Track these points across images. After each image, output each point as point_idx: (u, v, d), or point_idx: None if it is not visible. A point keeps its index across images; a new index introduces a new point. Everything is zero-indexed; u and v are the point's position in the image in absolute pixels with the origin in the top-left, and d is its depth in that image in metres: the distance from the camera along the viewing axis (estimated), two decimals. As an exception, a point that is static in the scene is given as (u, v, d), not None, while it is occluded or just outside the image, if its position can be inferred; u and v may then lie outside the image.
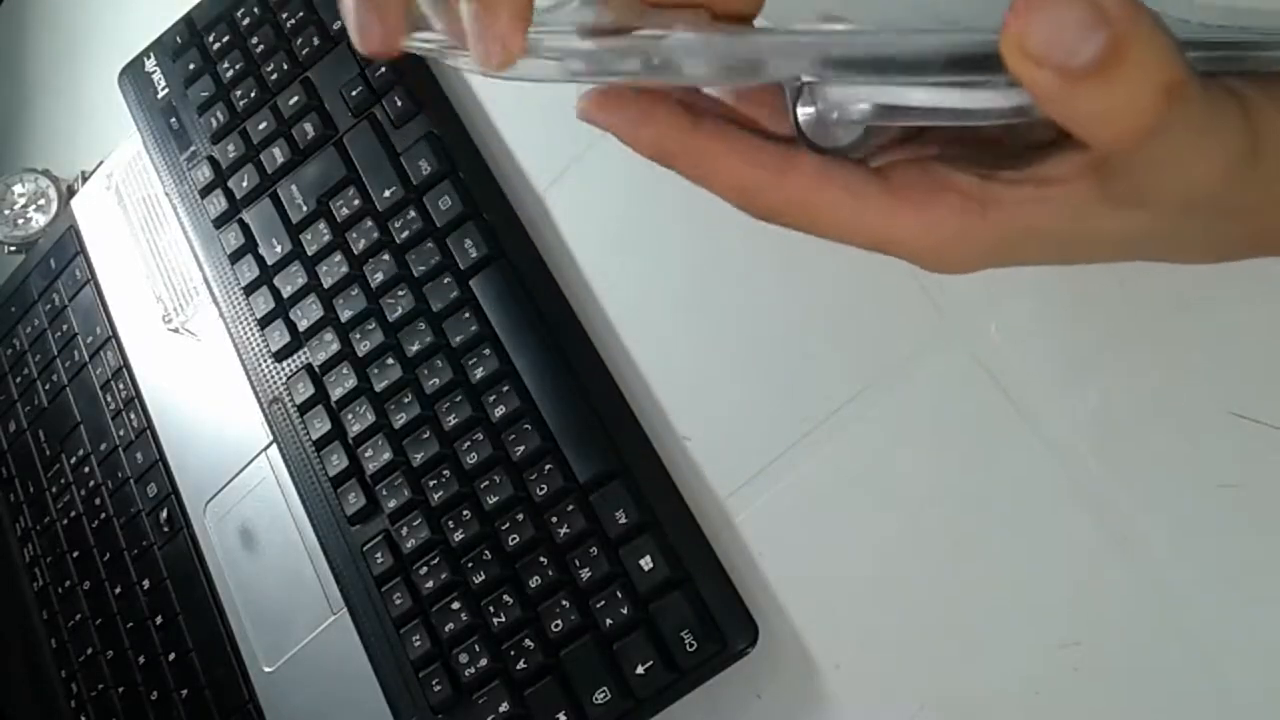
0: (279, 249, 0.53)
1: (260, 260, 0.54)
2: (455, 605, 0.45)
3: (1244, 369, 0.36)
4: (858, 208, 0.23)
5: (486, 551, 0.45)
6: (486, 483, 0.46)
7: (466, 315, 0.48)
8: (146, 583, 0.57)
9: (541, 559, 0.44)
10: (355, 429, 0.49)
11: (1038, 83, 0.18)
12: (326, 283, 0.51)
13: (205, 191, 0.56)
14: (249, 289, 0.54)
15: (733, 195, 0.24)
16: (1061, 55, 0.18)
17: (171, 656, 0.55)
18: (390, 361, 0.49)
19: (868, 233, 0.23)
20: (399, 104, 0.52)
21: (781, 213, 0.23)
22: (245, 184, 0.55)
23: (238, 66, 0.57)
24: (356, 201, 0.51)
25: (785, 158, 0.23)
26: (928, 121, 0.22)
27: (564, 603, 0.43)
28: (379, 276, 0.50)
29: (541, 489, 0.45)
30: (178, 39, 0.59)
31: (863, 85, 0.21)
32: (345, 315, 0.50)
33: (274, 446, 0.53)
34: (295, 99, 0.54)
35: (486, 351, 0.47)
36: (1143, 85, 0.18)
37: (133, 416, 0.59)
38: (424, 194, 0.50)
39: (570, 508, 0.44)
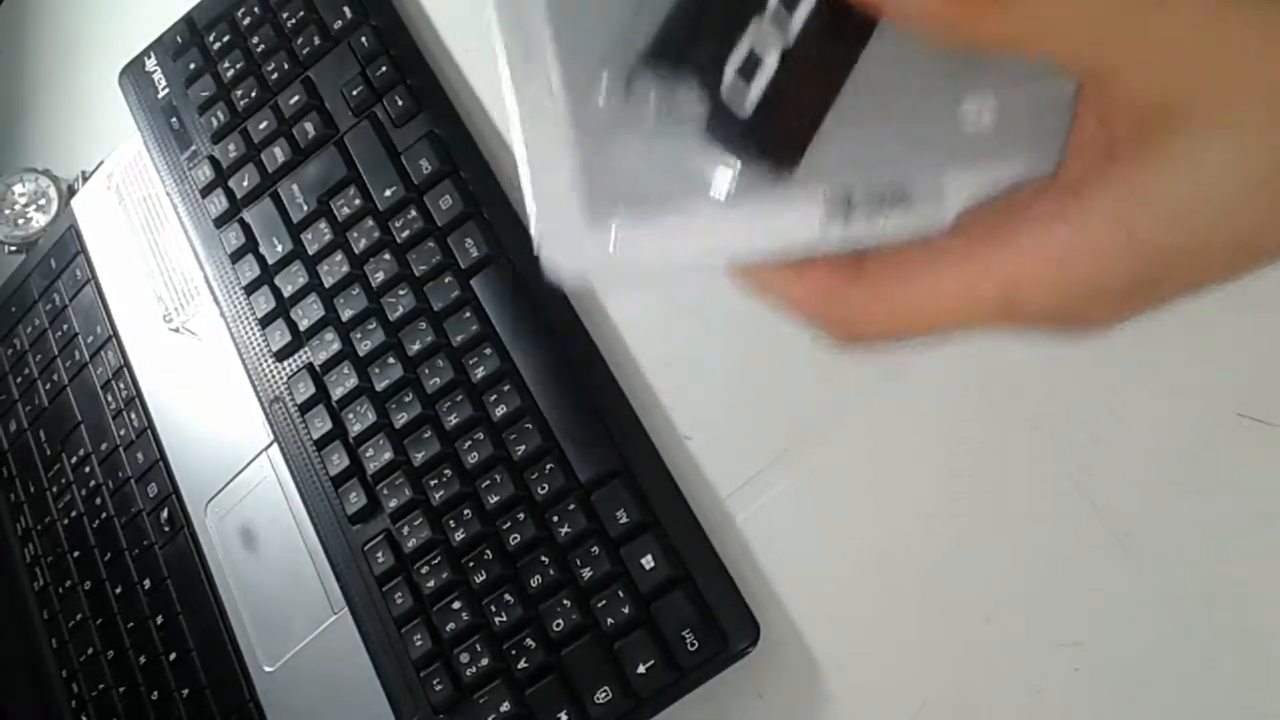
0: (280, 248, 0.53)
1: (261, 260, 0.54)
2: (456, 605, 0.45)
3: (1250, 370, 0.36)
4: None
5: (488, 551, 0.45)
6: (488, 482, 0.45)
7: (467, 314, 0.48)
8: (147, 582, 0.57)
9: (543, 558, 0.44)
10: (356, 428, 0.49)
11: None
12: (327, 282, 0.51)
13: (206, 191, 0.56)
14: (250, 288, 0.54)
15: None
16: None
17: (172, 656, 0.55)
18: (391, 361, 0.49)
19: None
20: (400, 103, 0.52)
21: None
22: (246, 183, 0.55)
23: (238, 66, 0.57)
24: (357, 201, 0.51)
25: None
26: None
27: (565, 602, 0.43)
28: (380, 276, 0.50)
29: (542, 488, 0.45)
30: (178, 39, 0.59)
31: None
32: (346, 315, 0.50)
33: (275, 446, 0.53)
34: (296, 98, 0.54)
35: (487, 351, 0.47)
36: None
37: (133, 416, 0.59)
38: (425, 193, 0.50)
39: (571, 507, 0.44)
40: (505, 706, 0.43)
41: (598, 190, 0.20)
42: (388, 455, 0.48)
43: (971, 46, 0.18)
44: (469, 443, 0.46)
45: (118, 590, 0.58)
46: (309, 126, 0.54)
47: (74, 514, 0.60)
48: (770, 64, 0.19)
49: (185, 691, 0.54)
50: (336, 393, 0.50)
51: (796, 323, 0.22)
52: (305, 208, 0.53)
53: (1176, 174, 0.18)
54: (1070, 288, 0.19)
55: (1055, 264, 0.19)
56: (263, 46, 0.56)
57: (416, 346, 0.48)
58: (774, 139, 0.20)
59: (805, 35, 0.19)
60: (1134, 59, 0.18)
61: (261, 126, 0.55)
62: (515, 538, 0.45)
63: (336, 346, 0.50)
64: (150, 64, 0.60)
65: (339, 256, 0.51)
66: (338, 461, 0.49)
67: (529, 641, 0.43)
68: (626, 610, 0.42)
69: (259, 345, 0.53)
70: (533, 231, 0.20)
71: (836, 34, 0.20)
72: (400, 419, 0.48)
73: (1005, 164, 0.20)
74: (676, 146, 0.20)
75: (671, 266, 0.21)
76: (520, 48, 0.20)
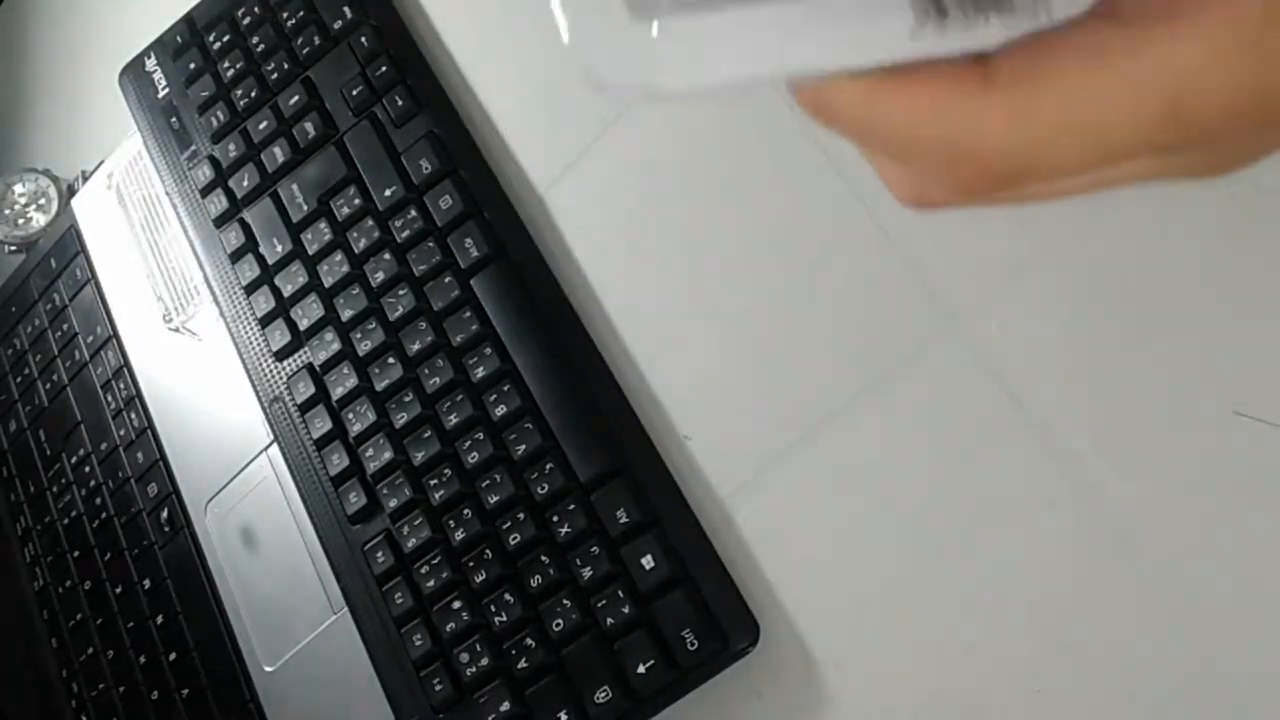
0: (279, 248, 0.53)
1: (261, 260, 0.54)
2: (456, 604, 0.45)
3: (1247, 368, 0.36)
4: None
5: (487, 551, 0.45)
6: (487, 482, 0.46)
7: (467, 314, 0.48)
8: (147, 582, 0.57)
9: (542, 558, 0.44)
10: (356, 428, 0.49)
11: None
12: (327, 282, 0.51)
13: (206, 191, 0.56)
14: (250, 288, 0.54)
15: None
16: None
17: (172, 656, 0.55)
18: (391, 361, 0.49)
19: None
20: (399, 103, 0.52)
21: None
22: (246, 183, 0.55)
23: (238, 66, 0.57)
24: (357, 201, 0.51)
25: None
26: None
27: (565, 602, 0.43)
28: (380, 276, 0.50)
29: (542, 488, 0.45)
30: (178, 39, 0.59)
31: None
32: (346, 314, 0.50)
33: (275, 446, 0.53)
34: (296, 98, 0.54)
35: (487, 350, 0.47)
36: None
37: (133, 416, 0.59)
38: (424, 193, 0.50)
39: (571, 507, 0.44)
40: (505, 706, 0.43)
41: None
42: (388, 455, 0.48)
43: None
44: (469, 442, 0.46)
45: (118, 590, 0.58)
46: (309, 126, 0.54)
47: (74, 514, 0.60)
48: None
49: (185, 691, 0.54)
50: (336, 393, 0.50)
51: (875, 165, 0.17)
52: (305, 208, 0.53)
53: None
54: (1244, 87, 0.15)
55: (1232, 53, 0.15)
56: (263, 46, 0.56)
57: (416, 346, 0.48)
58: None
59: None
60: None
61: (261, 126, 0.55)
62: (515, 538, 0.45)
63: (336, 346, 0.50)
64: (150, 64, 0.60)
65: (339, 256, 0.51)
66: (338, 461, 0.49)
67: (529, 641, 0.44)
68: (626, 610, 0.42)
69: (259, 345, 0.53)
70: (563, 32, 0.16)
71: None
72: (400, 419, 0.48)
73: None
74: None
75: (727, 77, 0.17)
76: None
